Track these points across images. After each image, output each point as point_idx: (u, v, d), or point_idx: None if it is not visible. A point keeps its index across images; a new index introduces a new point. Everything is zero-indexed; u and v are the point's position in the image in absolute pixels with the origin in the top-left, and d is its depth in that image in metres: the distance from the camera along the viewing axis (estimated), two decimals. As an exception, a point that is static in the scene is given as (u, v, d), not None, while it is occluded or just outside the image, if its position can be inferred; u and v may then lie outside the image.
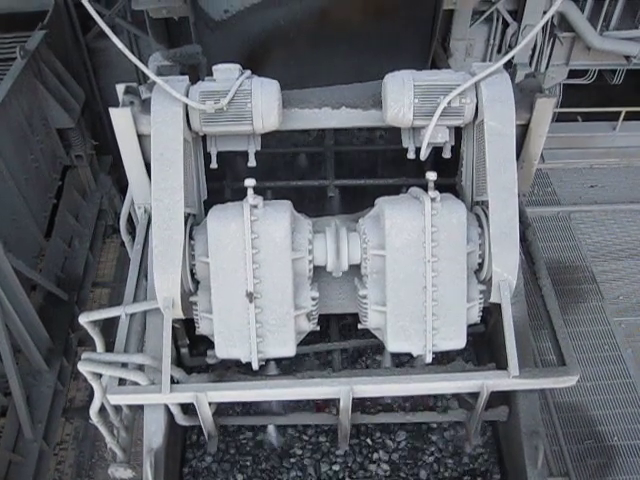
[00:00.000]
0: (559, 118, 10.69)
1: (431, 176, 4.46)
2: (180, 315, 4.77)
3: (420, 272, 4.55)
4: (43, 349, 7.93)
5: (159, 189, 4.60)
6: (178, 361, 5.63)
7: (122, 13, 9.39)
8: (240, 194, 4.64)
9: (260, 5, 6.60)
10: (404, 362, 5.97)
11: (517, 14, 9.46)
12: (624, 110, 10.81)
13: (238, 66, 4.84)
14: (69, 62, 9.49)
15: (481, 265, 4.80)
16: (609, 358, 8.68)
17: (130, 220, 5.85)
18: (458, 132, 5.19)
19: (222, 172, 5.46)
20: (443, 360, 5.32)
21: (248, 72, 4.86)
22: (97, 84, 10.15)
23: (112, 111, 4.79)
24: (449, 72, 4.97)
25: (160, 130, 4.65)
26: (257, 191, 4.54)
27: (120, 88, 4.94)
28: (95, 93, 10.19)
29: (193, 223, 4.89)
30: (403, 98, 4.70)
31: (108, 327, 5.49)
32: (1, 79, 8.01)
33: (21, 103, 8.18)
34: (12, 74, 8.05)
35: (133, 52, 9.50)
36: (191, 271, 4.76)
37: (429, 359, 4.75)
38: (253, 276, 4.52)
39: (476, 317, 4.86)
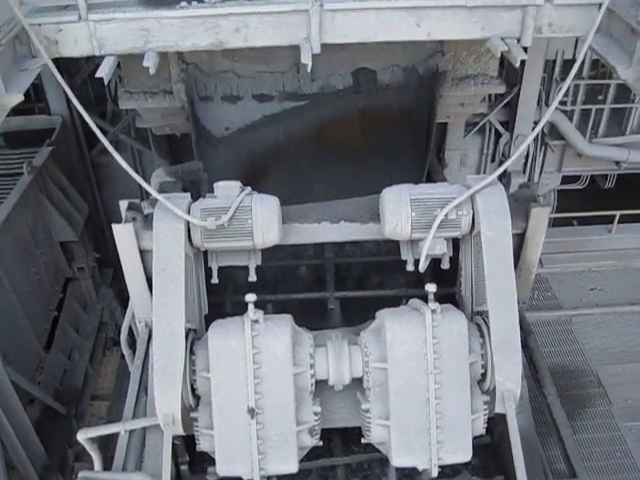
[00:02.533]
0: (555, 223, 10.82)
1: (431, 288, 4.52)
2: (180, 431, 4.70)
3: (423, 384, 4.52)
4: (38, 465, 7.69)
5: (160, 304, 4.64)
6: (178, 478, 5.48)
7: (126, 130, 9.70)
8: (241, 307, 4.66)
9: (259, 122, 6.85)
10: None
11: (509, 124, 9.75)
12: (618, 213, 10.97)
13: (238, 183, 4.98)
14: (74, 177, 9.72)
15: (484, 375, 4.77)
16: (622, 466, 8.42)
17: (131, 333, 5.84)
18: (456, 243, 5.27)
19: (223, 286, 5.50)
20: (449, 473, 5.18)
21: (248, 189, 4.99)
22: (100, 198, 10.33)
23: (115, 227, 4.88)
24: (445, 185, 5.12)
25: (162, 246, 4.72)
26: (258, 305, 4.58)
27: (123, 204, 5.05)
28: (98, 206, 10.36)
29: (194, 338, 4.89)
30: (401, 212, 4.81)
31: (107, 440, 5.37)
32: (8, 194, 8.19)
33: (26, 217, 8.33)
34: (19, 189, 8.23)
35: (136, 166, 9.75)
36: (192, 386, 4.72)
37: (435, 473, 4.66)
38: (254, 391, 4.49)
39: (481, 429, 4.79)
